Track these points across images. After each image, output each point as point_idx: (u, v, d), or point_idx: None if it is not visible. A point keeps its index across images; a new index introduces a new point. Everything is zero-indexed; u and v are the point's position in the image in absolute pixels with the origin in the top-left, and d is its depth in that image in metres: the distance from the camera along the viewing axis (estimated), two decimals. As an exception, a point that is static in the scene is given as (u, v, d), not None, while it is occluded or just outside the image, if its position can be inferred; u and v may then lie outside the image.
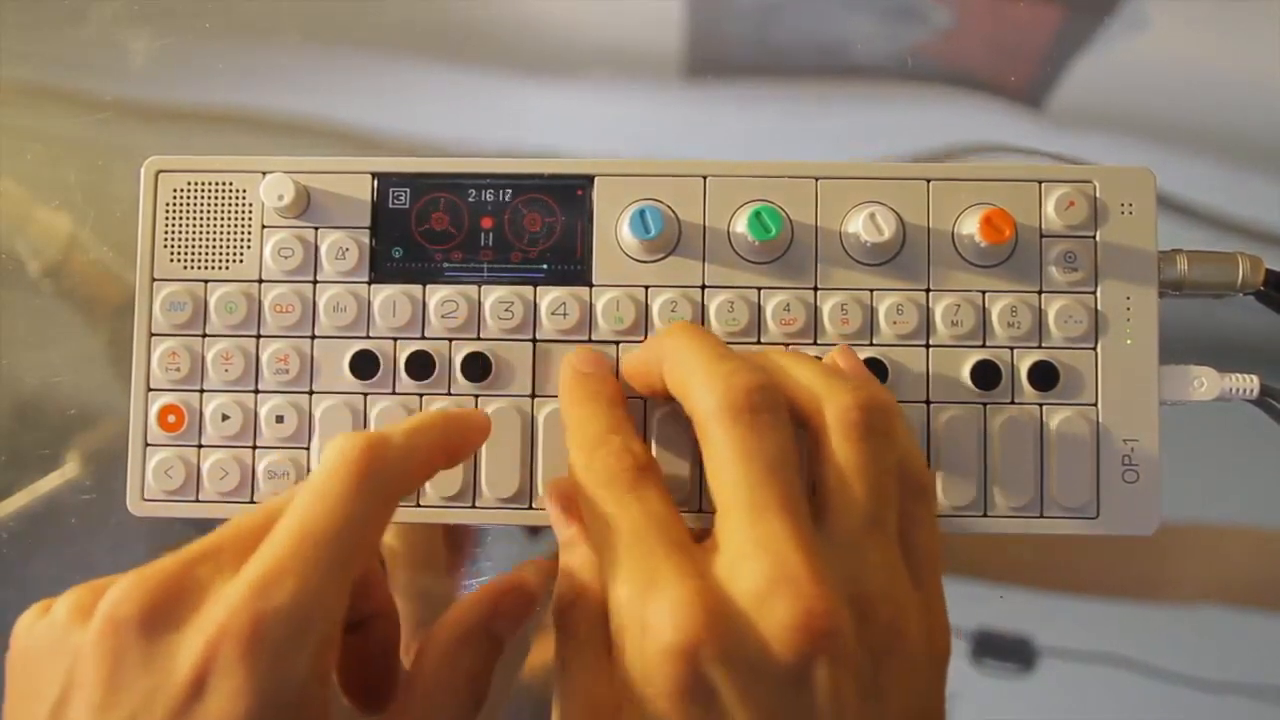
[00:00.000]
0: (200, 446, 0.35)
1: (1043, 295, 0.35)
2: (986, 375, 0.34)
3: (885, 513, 0.27)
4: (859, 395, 0.28)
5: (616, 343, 0.35)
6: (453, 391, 0.35)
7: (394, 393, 0.35)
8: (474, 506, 0.35)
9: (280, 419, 0.35)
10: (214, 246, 0.35)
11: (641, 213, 0.34)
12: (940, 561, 0.29)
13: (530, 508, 0.35)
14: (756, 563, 0.25)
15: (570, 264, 0.35)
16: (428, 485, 0.35)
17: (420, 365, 0.35)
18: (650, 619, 0.25)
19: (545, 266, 0.35)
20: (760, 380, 0.28)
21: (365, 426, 0.35)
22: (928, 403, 0.35)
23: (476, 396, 0.35)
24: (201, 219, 0.36)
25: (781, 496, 0.26)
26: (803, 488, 0.27)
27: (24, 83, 0.43)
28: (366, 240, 0.35)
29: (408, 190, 0.36)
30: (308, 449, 0.35)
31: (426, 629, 0.31)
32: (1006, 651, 0.40)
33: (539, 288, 0.35)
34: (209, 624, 0.24)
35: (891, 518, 0.28)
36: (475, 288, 0.35)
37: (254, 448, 0.35)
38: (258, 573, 0.24)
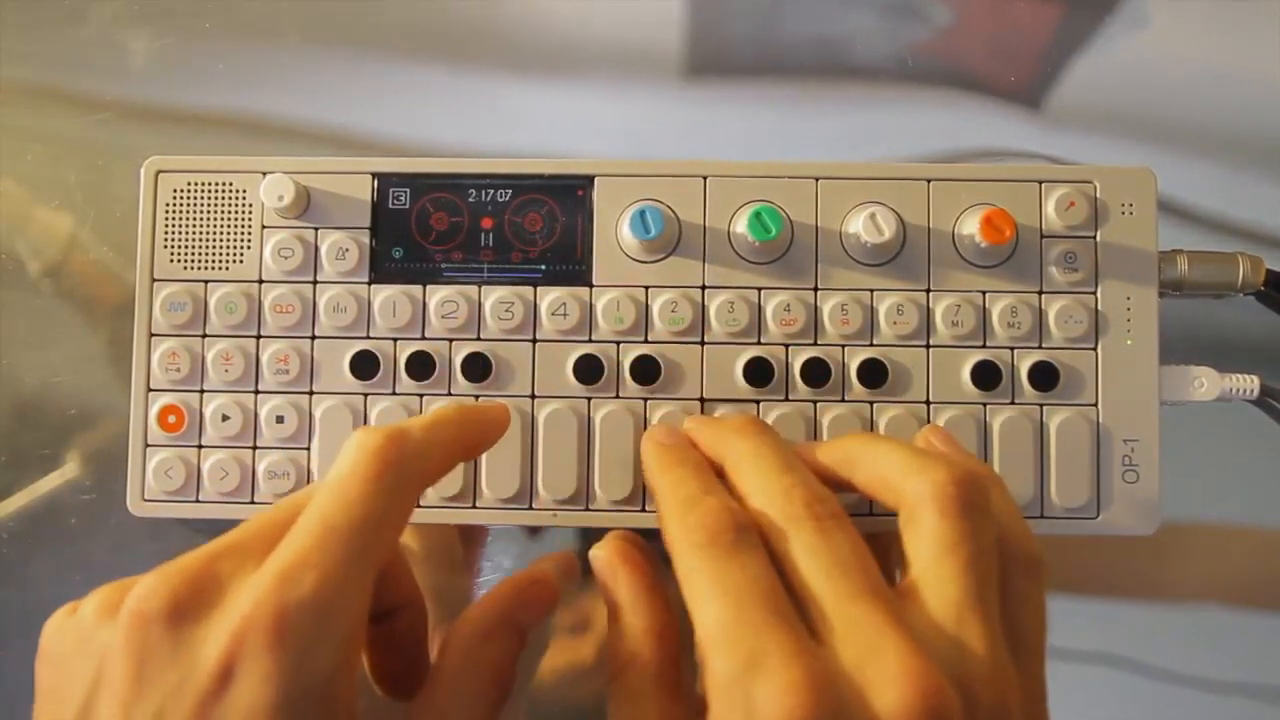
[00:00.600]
0: (200, 447, 0.35)
1: (1043, 295, 0.35)
2: (987, 375, 0.34)
3: (986, 590, 0.26)
4: (953, 471, 0.27)
5: (617, 343, 0.35)
6: (453, 392, 0.35)
7: (394, 393, 0.35)
8: (474, 507, 0.35)
9: (280, 419, 0.35)
10: (214, 247, 0.35)
11: (642, 213, 0.34)
12: (1045, 642, 0.28)
13: (530, 508, 0.35)
14: (863, 643, 0.24)
15: (570, 264, 0.35)
16: (428, 485, 0.35)
17: (420, 365, 0.35)
18: (759, 700, 0.24)
19: (545, 267, 0.35)
20: (820, 493, 0.27)
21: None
22: (928, 403, 0.35)
23: (476, 397, 0.35)
24: (201, 219, 0.36)
25: (871, 582, 0.26)
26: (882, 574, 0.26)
27: (24, 83, 0.43)
28: (366, 240, 0.35)
29: (408, 190, 0.36)
30: (308, 449, 0.35)
31: (445, 626, 0.31)
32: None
33: (539, 288, 0.35)
34: (234, 615, 0.24)
35: (993, 595, 0.26)
36: (475, 288, 0.35)
37: (254, 448, 0.35)
38: (281, 565, 0.24)
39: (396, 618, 0.30)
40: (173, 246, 0.36)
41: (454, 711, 0.28)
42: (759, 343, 0.35)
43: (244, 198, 0.36)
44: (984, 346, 0.35)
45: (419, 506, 0.35)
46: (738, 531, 0.27)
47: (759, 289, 0.35)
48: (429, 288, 0.35)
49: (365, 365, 0.35)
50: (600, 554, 0.30)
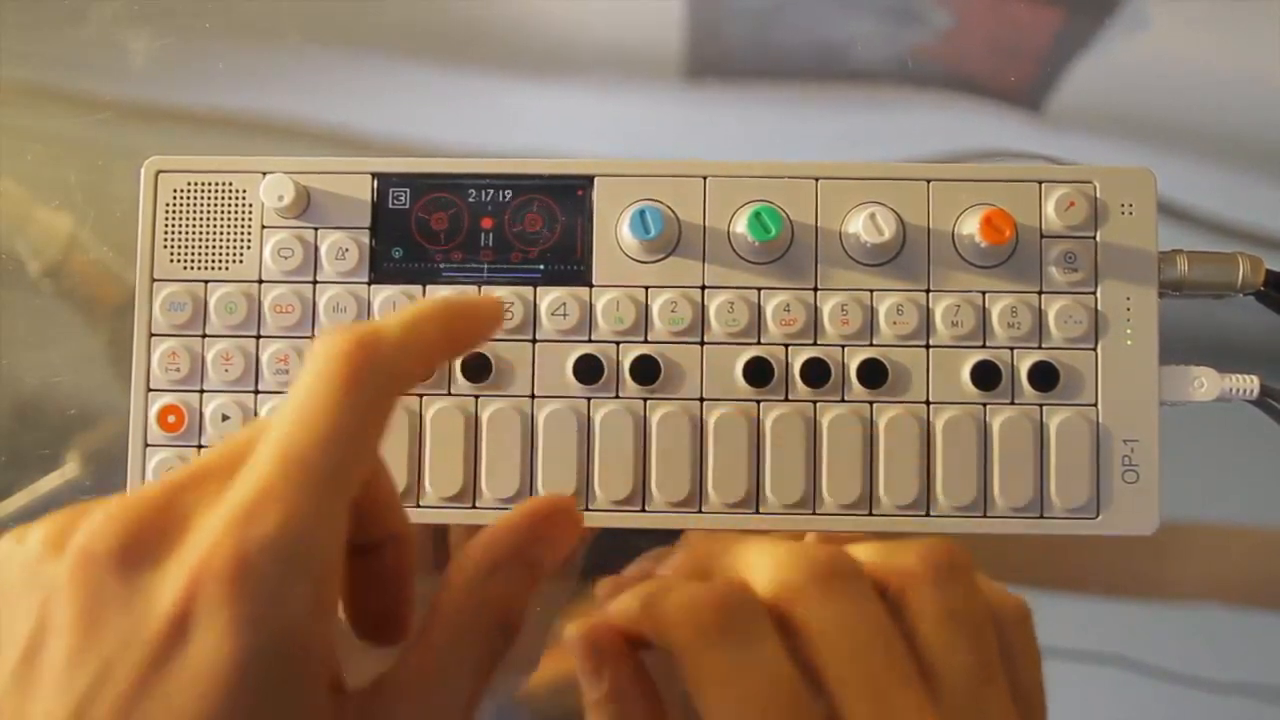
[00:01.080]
0: (200, 447, 0.35)
1: (1043, 295, 0.35)
2: (986, 375, 0.34)
3: (991, 656, 0.25)
4: (930, 544, 0.25)
5: (617, 343, 0.35)
6: (452, 391, 0.35)
7: (394, 393, 0.35)
8: (474, 507, 0.35)
9: (280, 419, 0.35)
10: (214, 247, 0.35)
11: (641, 213, 0.34)
12: (1044, 693, 0.27)
13: (530, 508, 0.35)
14: None
15: (570, 264, 0.35)
16: (428, 485, 0.35)
17: (420, 365, 0.35)
18: None
19: (545, 267, 0.35)
20: (834, 552, 0.25)
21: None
22: (928, 403, 0.35)
23: (477, 397, 0.35)
24: (201, 219, 0.36)
25: (899, 671, 0.24)
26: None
27: (24, 83, 0.43)
28: (366, 240, 0.35)
29: (408, 190, 0.36)
30: (308, 449, 0.35)
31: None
32: (1006, 652, 0.40)
33: (539, 288, 0.35)
34: (190, 559, 0.21)
35: (996, 660, 0.25)
36: (475, 288, 0.35)
37: (254, 448, 0.35)
38: (240, 499, 0.21)
39: (379, 553, 0.27)
40: (173, 246, 0.36)
41: (452, 655, 0.24)
42: (759, 343, 0.35)
43: (244, 198, 0.36)
44: (984, 346, 0.35)
45: (419, 506, 0.35)
46: (751, 618, 0.24)
47: (759, 289, 0.35)
48: (429, 288, 0.35)
49: (365, 365, 0.35)
50: (577, 635, 0.26)
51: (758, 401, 0.35)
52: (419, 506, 0.35)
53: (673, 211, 0.35)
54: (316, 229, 0.35)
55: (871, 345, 0.35)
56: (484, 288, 0.35)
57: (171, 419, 0.35)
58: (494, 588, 0.25)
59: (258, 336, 0.35)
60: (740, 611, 0.23)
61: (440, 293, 0.35)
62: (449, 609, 0.25)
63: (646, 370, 0.34)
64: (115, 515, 0.22)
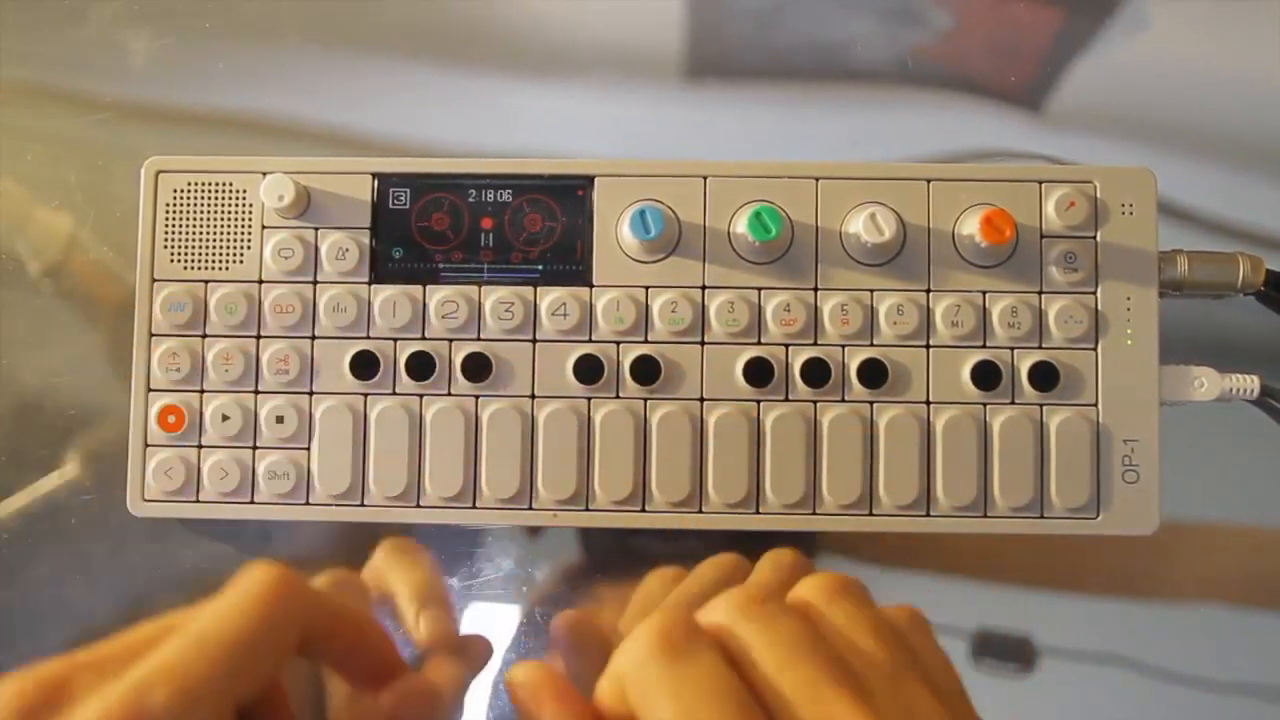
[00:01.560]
0: (200, 447, 0.35)
1: (1043, 295, 0.35)
2: (987, 375, 0.34)
3: (902, 656, 0.26)
4: (825, 573, 0.28)
5: (617, 343, 0.35)
6: (453, 391, 0.35)
7: (394, 393, 0.35)
8: (474, 507, 0.35)
9: (280, 419, 0.35)
10: (214, 247, 0.35)
11: (642, 213, 0.34)
12: (962, 687, 0.27)
13: (530, 508, 0.35)
14: None
15: (570, 264, 0.35)
16: (428, 484, 0.35)
17: (420, 365, 0.35)
18: None
19: (545, 267, 0.35)
20: (755, 584, 0.28)
21: (365, 426, 0.35)
22: (928, 403, 0.35)
23: (477, 397, 0.35)
24: (202, 219, 0.36)
25: (828, 673, 0.25)
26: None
27: (24, 83, 0.43)
28: (367, 241, 0.35)
29: (408, 191, 0.36)
30: (308, 449, 0.35)
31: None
32: (1006, 651, 0.40)
33: (539, 288, 0.35)
34: None
35: (908, 658, 0.26)
36: (475, 288, 0.35)
37: (254, 448, 0.35)
38: (140, 674, 0.24)
39: (359, 655, 0.29)
40: (173, 246, 0.36)
41: None
42: (759, 343, 0.35)
43: (244, 198, 0.36)
44: (984, 346, 0.35)
45: (419, 507, 0.35)
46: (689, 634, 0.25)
47: (759, 289, 0.35)
48: (429, 288, 0.35)
49: (365, 365, 0.35)
50: (519, 679, 0.27)
51: (758, 401, 0.35)
52: (419, 507, 0.35)
53: (673, 211, 0.35)
54: (317, 229, 0.35)
55: (872, 345, 0.35)
56: (484, 287, 0.35)
57: (171, 419, 0.35)
58: None
59: (258, 336, 0.35)
60: (678, 629, 0.25)
61: (440, 293, 0.35)
62: None
63: (647, 370, 0.34)
64: (14, 683, 0.24)
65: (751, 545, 0.40)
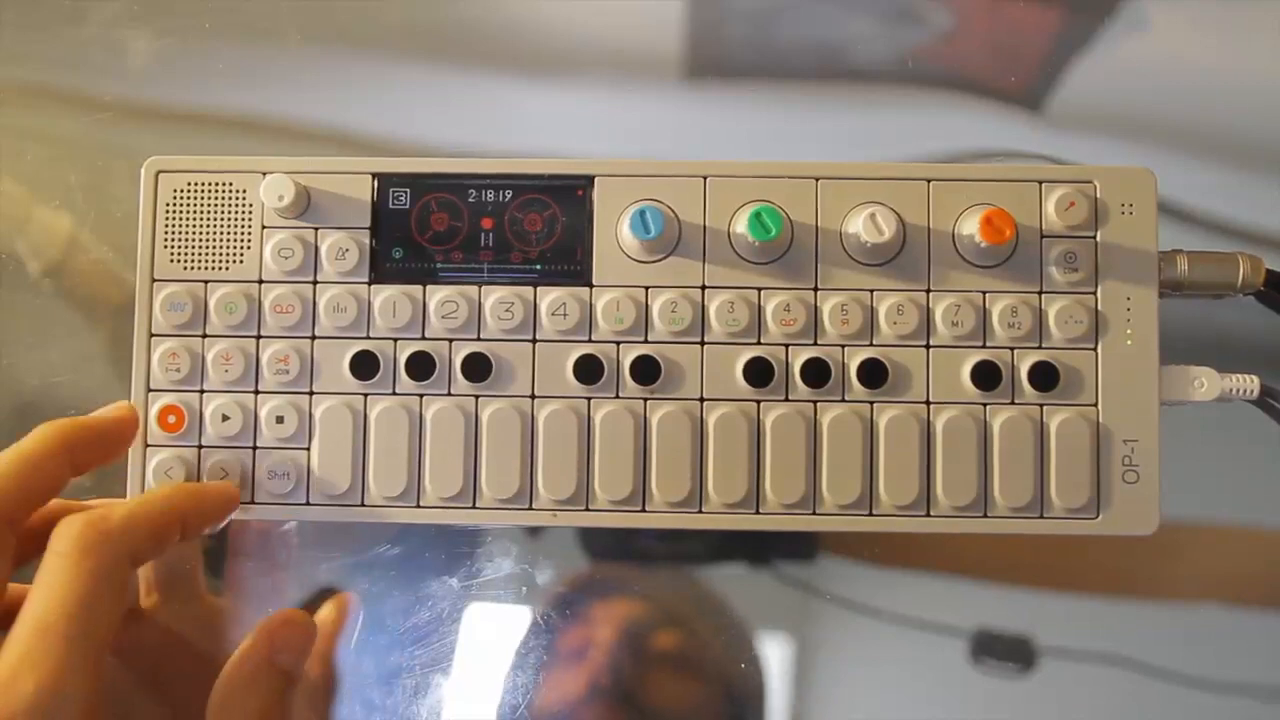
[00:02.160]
0: (200, 447, 0.35)
1: (1043, 296, 0.35)
2: (987, 375, 0.34)
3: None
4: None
5: (617, 343, 0.35)
6: (453, 391, 0.35)
7: (394, 393, 0.35)
8: (474, 507, 0.35)
9: (280, 419, 0.35)
10: (214, 247, 0.35)
11: (642, 213, 0.34)
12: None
13: (530, 508, 0.35)
14: None
15: (570, 264, 0.35)
16: (428, 485, 0.35)
17: (420, 365, 0.35)
18: None
19: (545, 267, 0.35)
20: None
21: (365, 427, 0.35)
22: (928, 403, 0.35)
23: (477, 397, 0.35)
24: (202, 219, 0.36)
25: None
26: None
27: (24, 83, 0.43)
28: (366, 241, 0.35)
29: (408, 191, 0.36)
30: (308, 449, 0.35)
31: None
32: (1006, 651, 0.40)
33: (539, 288, 0.35)
34: None
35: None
36: (475, 288, 0.35)
37: (254, 448, 0.35)
38: (2, 674, 0.26)
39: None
40: (173, 246, 0.36)
41: None
42: (759, 343, 0.35)
43: (244, 198, 0.36)
44: (984, 346, 0.35)
45: (419, 507, 0.35)
46: None
47: (759, 289, 0.35)
48: (429, 288, 0.35)
49: (365, 365, 0.35)
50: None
51: (758, 401, 0.35)
52: (419, 507, 0.35)
53: (673, 211, 0.35)
54: (317, 229, 0.35)
55: (871, 345, 0.35)
56: (484, 287, 0.35)
57: (171, 419, 0.35)
58: (251, 701, 0.32)
59: (258, 337, 0.35)
60: None
61: (440, 293, 0.35)
62: None
63: (647, 370, 0.34)
64: None
65: (752, 545, 0.40)
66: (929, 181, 0.35)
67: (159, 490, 0.32)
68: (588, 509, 0.35)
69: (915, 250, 0.35)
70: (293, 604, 0.39)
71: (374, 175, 0.36)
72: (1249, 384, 0.36)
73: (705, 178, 0.35)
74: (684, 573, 0.40)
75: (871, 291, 0.35)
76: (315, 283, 0.35)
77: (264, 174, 0.35)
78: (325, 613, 0.39)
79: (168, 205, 0.36)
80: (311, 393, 0.35)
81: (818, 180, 0.35)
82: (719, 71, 0.42)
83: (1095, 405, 0.34)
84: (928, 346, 0.35)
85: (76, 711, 0.26)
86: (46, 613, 0.27)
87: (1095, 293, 0.35)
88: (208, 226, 0.35)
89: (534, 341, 0.35)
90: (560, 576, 0.40)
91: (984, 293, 0.35)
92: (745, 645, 0.40)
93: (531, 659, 0.39)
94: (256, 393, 0.35)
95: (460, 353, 0.35)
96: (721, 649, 0.40)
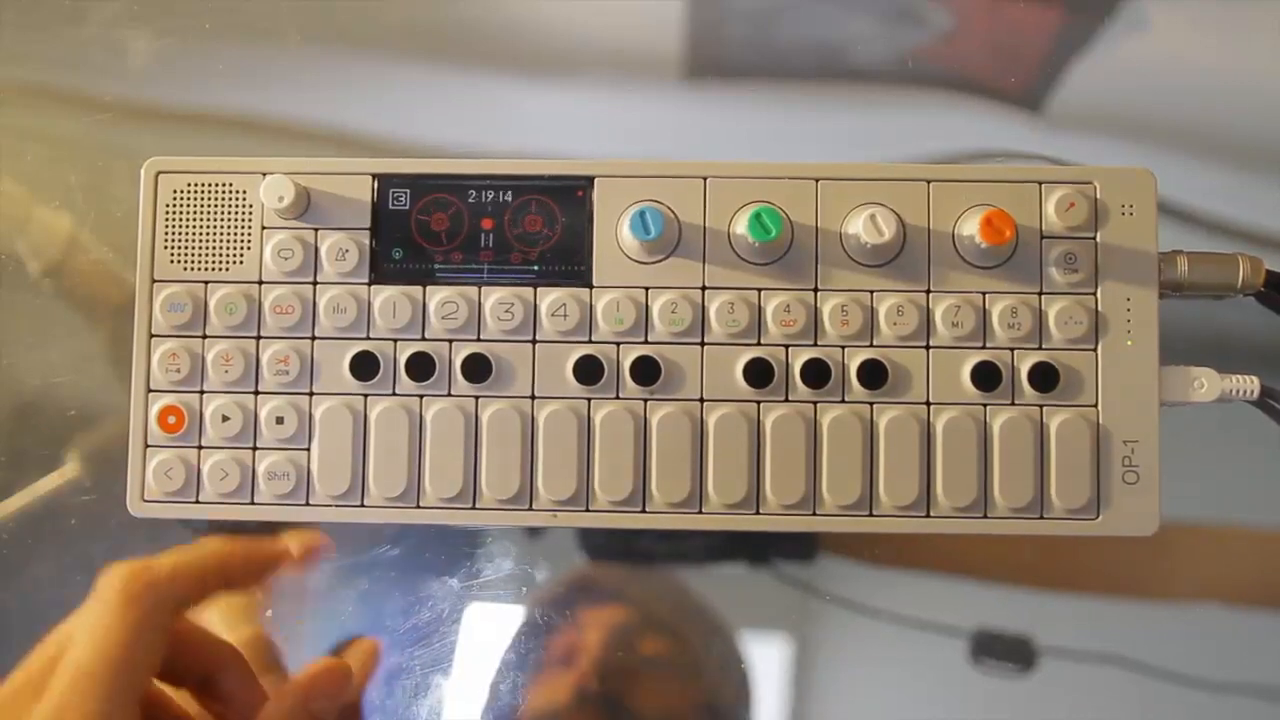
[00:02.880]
0: (200, 448, 0.35)
1: (1043, 296, 0.35)
2: (987, 376, 0.34)
3: None
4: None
5: (617, 343, 0.35)
6: (453, 392, 0.35)
7: (394, 394, 0.35)
8: (474, 507, 0.35)
9: (280, 420, 0.35)
10: (214, 248, 0.35)
11: (642, 214, 0.34)
12: None
13: (530, 508, 0.35)
14: None
15: (570, 265, 0.35)
16: (428, 485, 0.35)
17: (420, 366, 0.35)
18: None
19: (545, 267, 0.35)
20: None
21: (365, 427, 0.35)
22: (928, 403, 0.35)
23: (477, 398, 0.35)
24: (202, 220, 0.36)
25: None
26: None
27: (24, 83, 0.43)
28: (366, 241, 0.35)
29: (408, 191, 0.36)
30: (308, 450, 0.35)
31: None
32: (1006, 651, 0.40)
33: (539, 289, 0.35)
34: None
35: None
36: (475, 289, 0.35)
37: (254, 449, 0.35)
38: (44, 713, 0.27)
39: (219, 677, 0.33)
40: (173, 247, 0.36)
41: None
42: (759, 343, 0.35)
43: (244, 198, 0.36)
44: (984, 347, 0.35)
45: (419, 508, 0.35)
46: None
47: (759, 290, 0.35)
48: (429, 288, 0.35)
49: (365, 366, 0.35)
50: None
51: (758, 402, 0.35)
52: (419, 507, 0.35)
53: (673, 212, 0.35)
54: (317, 230, 0.35)
55: (872, 346, 0.35)
56: (484, 288, 0.35)
57: (171, 419, 0.35)
58: None
59: (258, 337, 0.35)
60: None
61: (440, 293, 0.35)
62: None
63: (647, 371, 0.34)
64: None
65: (752, 545, 0.40)
66: (929, 182, 0.35)
67: (206, 543, 0.33)
68: (588, 510, 0.35)
69: (915, 251, 0.35)
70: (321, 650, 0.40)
71: (374, 176, 0.36)
72: (1249, 384, 0.36)
73: (705, 178, 0.35)
74: (684, 573, 0.40)
75: (871, 292, 0.35)
76: (315, 283, 0.35)
77: (264, 174, 0.35)
78: (351, 659, 0.39)
79: (168, 206, 0.36)
80: (311, 393, 0.35)
81: (818, 181, 0.35)
82: (719, 71, 0.42)
83: (1095, 406, 0.34)
84: (928, 347, 0.35)
85: None
86: (89, 660, 0.28)
87: (1095, 293, 0.35)
88: (208, 227, 0.35)
89: (534, 342, 0.35)
90: (560, 577, 0.40)
91: (984, 293, 0.35)
92: (745, 646, 0.40)
93: (531, 659, 0.39)
94: (256, 393, 0.35)
95: (460, 353, 0.35)
96: (721, 649, 0.40)
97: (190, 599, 0.31)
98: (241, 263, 0.35)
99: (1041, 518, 0.34)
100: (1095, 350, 0.35)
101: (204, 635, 0.33)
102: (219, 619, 0.38)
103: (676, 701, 0.40)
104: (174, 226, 0.36)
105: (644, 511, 0.35)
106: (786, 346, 0.35)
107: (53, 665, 0.29)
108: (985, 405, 0.35)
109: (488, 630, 0.39)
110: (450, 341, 0.35)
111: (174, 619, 0.31)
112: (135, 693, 0.29)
